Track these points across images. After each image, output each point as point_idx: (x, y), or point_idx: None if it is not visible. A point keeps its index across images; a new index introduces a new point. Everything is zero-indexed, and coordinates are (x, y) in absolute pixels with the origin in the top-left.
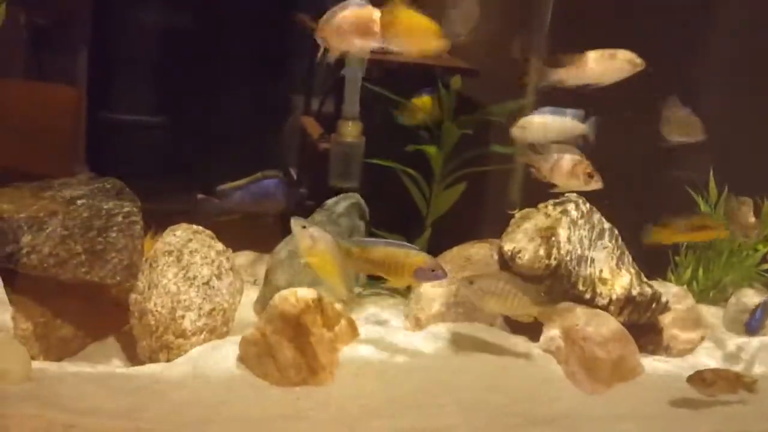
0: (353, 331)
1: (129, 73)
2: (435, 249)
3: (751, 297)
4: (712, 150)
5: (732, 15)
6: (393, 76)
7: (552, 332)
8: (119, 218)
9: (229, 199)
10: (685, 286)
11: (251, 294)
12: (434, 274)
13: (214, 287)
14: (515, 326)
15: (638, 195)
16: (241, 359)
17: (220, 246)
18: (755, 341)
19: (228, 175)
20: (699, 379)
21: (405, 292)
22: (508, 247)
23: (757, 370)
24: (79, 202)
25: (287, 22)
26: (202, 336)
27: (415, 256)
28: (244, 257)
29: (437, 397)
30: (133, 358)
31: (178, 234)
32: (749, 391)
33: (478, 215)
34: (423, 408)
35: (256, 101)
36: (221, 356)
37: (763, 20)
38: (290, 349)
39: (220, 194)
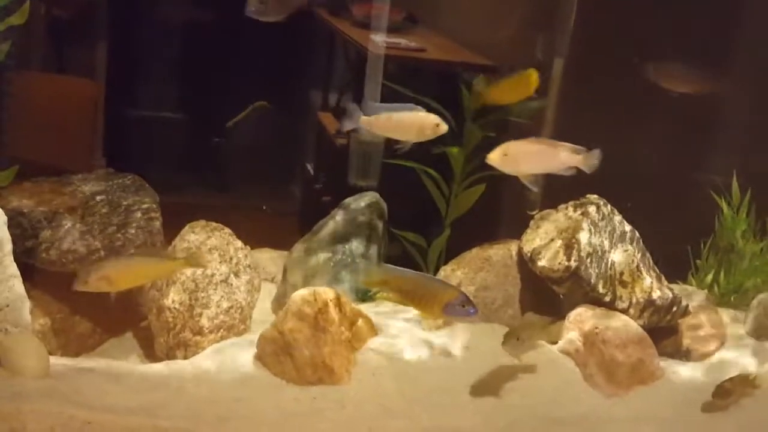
0: (371, 330)
1: (148, 68)
2: (454, 249)
3: None
4: (735, 153)
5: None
6: (412, 73)
7: (571, 334)
8: (138, 214)
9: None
10: (706, 290)
11: (269, 292)
12: (464, 310)
13: (232, 285)
14: None
15: (660, 198)
16: (259, 357)
17: (238, 243)
18: None
19: (246, 171)
20: (723, 392)
21: None
22: (527, 248)
23: None
24: (98, 197)
25: (305, 18)
26: (220, 333)
27: (446, 290)
28: (262, 255)
29: (456, 398)
30: (151, 354)
31: (196, 231)
32: (753, 387)
33: (498, 216)
34: (442, 408)
35: (275, 97)
36: (238, 354)
37: None
38: (307, 347)
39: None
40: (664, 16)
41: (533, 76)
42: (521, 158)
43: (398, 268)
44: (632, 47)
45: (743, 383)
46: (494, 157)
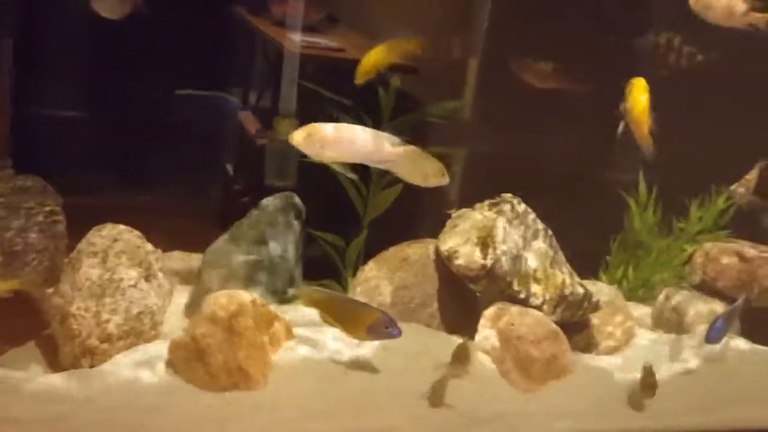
0: (288, 333)
1: (57, 66)
2: (372, 250)
3: (678, 296)
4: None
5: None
6: (331, 72)
7: (487, 332)
8: (40, 218)
9: None
10: (615, 286)
11: (183, 296)
12: (387, 332)
13: (141, 290)
14: (451, 327)
15: (571, 196)
16: (170, 364)
17: (148, 246)
18: (682, 338)
19: (165, 172)
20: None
21: (342, 292)
22: (444, 247)
23: (678, 366)
24: None
25: (227, 16)
26: (129, 340)
27: (370, 313)
28: (174, 258)
29: (376, 399)
30: (55, 364)
31: (103, 234)
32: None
33: (416, 216)
34: (361, 409)
35: (191, 95)
36: (149, 361)
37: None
38: (221, 352)
39: None
40: (576, 16)
41: None
42: (327, 142)
43: (326, 290)
44: (546, 48)
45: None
46: (297, 137)
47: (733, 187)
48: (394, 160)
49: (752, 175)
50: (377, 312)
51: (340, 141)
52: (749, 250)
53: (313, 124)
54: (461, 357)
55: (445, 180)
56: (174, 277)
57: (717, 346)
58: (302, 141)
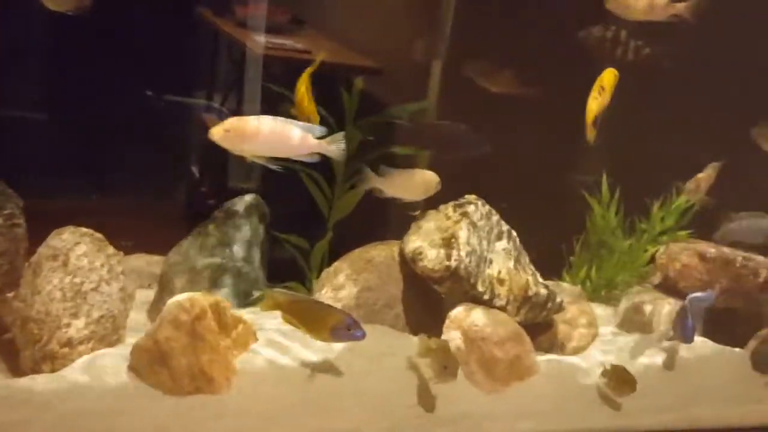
0: (252, 336)
1: (15, 67)
2: (337, 251)
3: (641, 296)
4: (605, 153)
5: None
6: (297, 74)
7: (451, 333)
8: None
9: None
10: (579, 286)
11: (145, 299)
12: (350, 333)
13: (103, 293)
14: (416, 328)
15: (536, 197)
16: (133, 368)
17: (110, 249)
18: (639, 338)
19: (129, 174)
20: (605, 371)
21: (306, 294)
22: (409, 249)
23: (642, 366)
24: None
25: (191, 19)
26: (90, 345)
27: (333, 315)
28: (137, 260)
29: (340, 401)
30: (15, 369)
31: (64, 237)
32: (631, 392)
33: (381, 217)
34: (326, 412)
35: (155, 97)
36: (111, 365)
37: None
38: (184, 356)
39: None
40: (539, 20)
41: None
42: (248, 137)
43: (290, 292)
44: (509, 51)
45: (621, 380)
46: (216, 133)
47: (686, 186)
48: (319, 150)
49: (705, 174)
50: (341, 314)
51: (262, 134)
52: (710, 250)
53: (233, 118)
54: (448, 362)
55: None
56: (137, 280)
57: (680, 346)
58: (222, 136)
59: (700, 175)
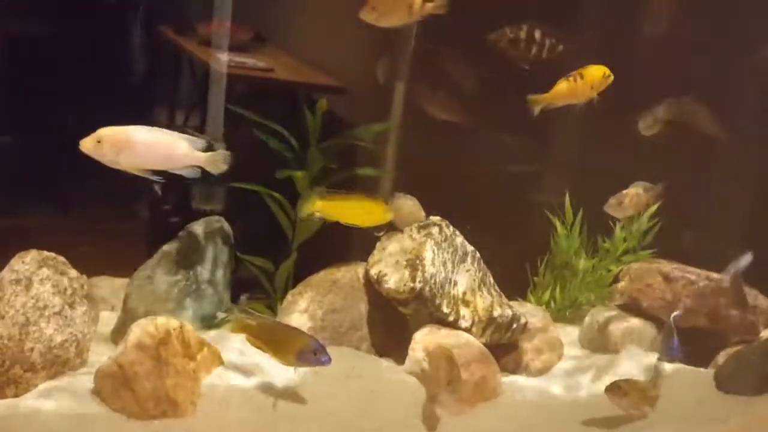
0: (217, 359)
1: None
2: (302, 273)
3: (604, 316)
4: (568, 174)
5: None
6: (258, 95)
7: (417, 355)
8: None
9: None
10: (543, 307)
11: (109, 322)
12: (316, 358)
13: (66, 317)
14: (381, 350)
15: (499, 218)
16: (97, 392)
17: (73, 273)
18: (604, 358)
19: (90, 192)
20: (615, 388)
21: (272, 316)
22: (374, 270)
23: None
24: None
25: (153, 37)
26: (54, 369)
27: (299, 339)
28: (102, 283)
29: (305, 424)
30: None
31: (27, 261)
32: (650, 405)
33: (345, 238)
34: None
35: (121, 116)
36: (74, 390)
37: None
38: (149, 380)
39: None
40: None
41: None
42: (122, 148)
43: (258, 315)
44: (470, 72)
45: (641, 392)
46: (86, 144)
47: (609, 201)
48: (200, 164)
49: (632, 191)
50: (307, 338)
51: (136, 146)
52: (673, 270)
53: (106, 128)
54: (452, 375)
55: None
56: (100, 304)
57: (641, 367)
58: (92, 148)
59: (625, 192)
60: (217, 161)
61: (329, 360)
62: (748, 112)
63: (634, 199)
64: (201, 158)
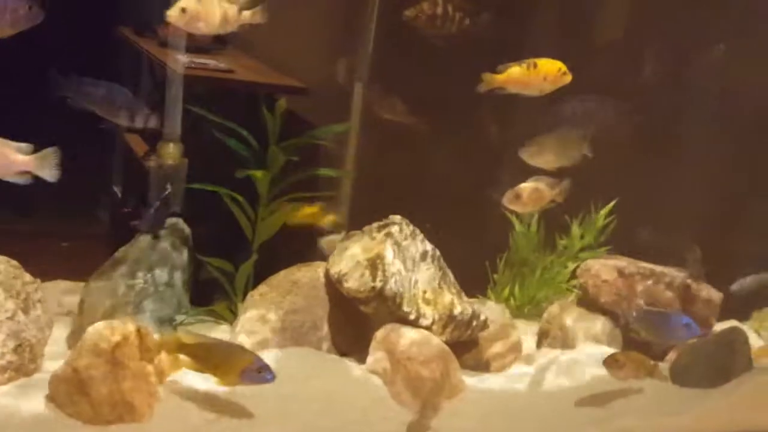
0: (174, 362)
1: None
2: (262, 273)
3: (562, 312)
4: (524, 172)
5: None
6: (218, 95)
7: (378, 354)
8: None
9: None
10: (503, 303)
11: (65, 327)
12: (260, 376)
13: (19, 322)
14: (342, 349)
15: (459, 216)
16: (51, 398)
17: (27, 277)
18: (563, 354)
19: (49, 195)
20: (612, 361)
21: (232, 318)
22: (334, 270)
23: (566, 382)
24: None
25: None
26: (7, 375)
27: (242, 356)
28: (55, 287)
29: (266, 425)
30: None
31: None
32: (651, 376)
33: (306, 238)
34: None
35: (80, 118)
36: (29, 396)
37: None
38: (105, 384)
39: None
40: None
41: None
42: None
43: (195, 333)
44: (429, 73)
45: (639, 363)
46: None
47: (505, 195)
48: (29, 168)
49: (529, 185)
50: (250, 355)
51: None
52: (629, 266)
53: None
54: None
55: None
56: (56, 307)
57: (599, 361)
58: None
59: (523, 185)
60: (47, 162)
61: (273, 377)
62: (699, 113)
63: (533, 194)
64: (29, 162)
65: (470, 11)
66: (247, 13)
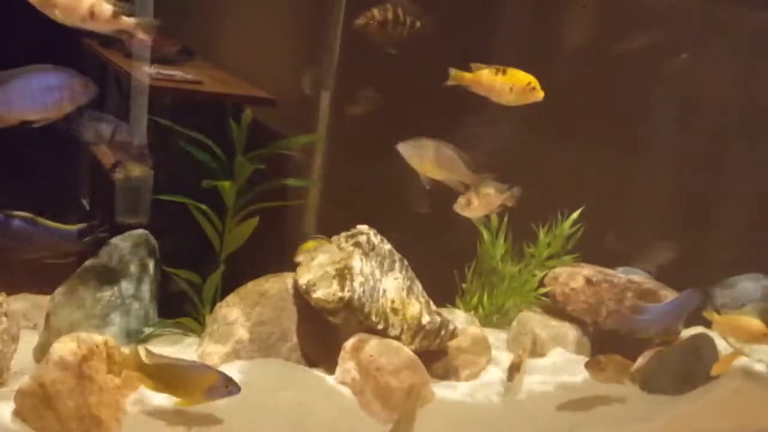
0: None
1: None
2: (230, 285)
3: (531, 320)
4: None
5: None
6: (185, 106)
7: (347, 364)
8: None
9: None
10: (471, 312)
11: (31, 340)
12: (227, 390)
13: None
14: (312, 360)
15: (426, 225)
16: (18, 412)
17: None
18: (532, 361)
19: (15, 206)
20: (594, 363)
21: (200, 330)
22: (302, 280)
23: (535, 390)
24: None
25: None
26: None
27: (206, 374)
28: (21, 301)
29: None
30: None
31: None
32: (632, 381)
33: (273, 249)
34: None
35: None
36: None
37: None
38: (72, 398)
39: None
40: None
41: None
42: None
43: (156, 353)
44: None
45: (620, 366)
46: None
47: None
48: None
49: (483, 192)
50: (214, 372)
51: None
52: (596, 274)
53: None
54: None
55: None
56: (22, 321)
57: (568, 368)
58: None
59: (471, 192)
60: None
61: (239, 390)
62: (667, 118)
63: (483, 200)
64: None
65: (420, 14)
66: (130, 20)
